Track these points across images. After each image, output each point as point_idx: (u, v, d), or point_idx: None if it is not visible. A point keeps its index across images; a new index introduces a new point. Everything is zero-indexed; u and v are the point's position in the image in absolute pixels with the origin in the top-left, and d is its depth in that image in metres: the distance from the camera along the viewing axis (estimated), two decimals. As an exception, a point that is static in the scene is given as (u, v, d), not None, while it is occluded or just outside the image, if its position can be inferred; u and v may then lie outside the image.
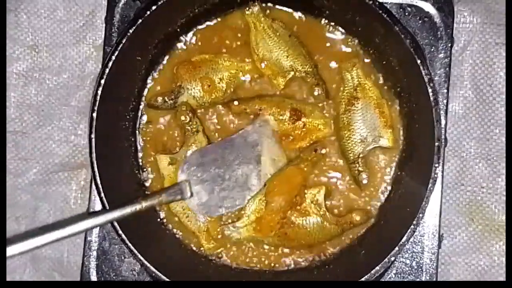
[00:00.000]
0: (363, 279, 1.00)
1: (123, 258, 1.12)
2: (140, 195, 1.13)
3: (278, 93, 1.13)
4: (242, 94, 1.13)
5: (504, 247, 1.17)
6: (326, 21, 1.13)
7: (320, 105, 1.12)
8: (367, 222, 1.11)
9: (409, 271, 1.09)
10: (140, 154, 1.15)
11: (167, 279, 1.02)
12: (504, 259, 1.17)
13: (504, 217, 1.17)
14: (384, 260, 1.00)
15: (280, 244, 1.12)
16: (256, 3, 1.11)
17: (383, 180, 1.12)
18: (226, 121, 1.13)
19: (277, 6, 1.14)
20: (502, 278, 1.16)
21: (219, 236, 1.12)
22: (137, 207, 1.00)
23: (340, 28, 1.13)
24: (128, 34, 1.02)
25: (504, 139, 1.18)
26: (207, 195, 1.08)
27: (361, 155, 1.09)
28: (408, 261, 1.09)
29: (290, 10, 1.14)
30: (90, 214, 1.10)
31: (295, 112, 1.10)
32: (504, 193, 1.17)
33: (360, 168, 1.09)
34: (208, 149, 1.10)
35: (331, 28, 1.14)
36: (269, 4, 1.14)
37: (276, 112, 1.10)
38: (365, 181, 1.09)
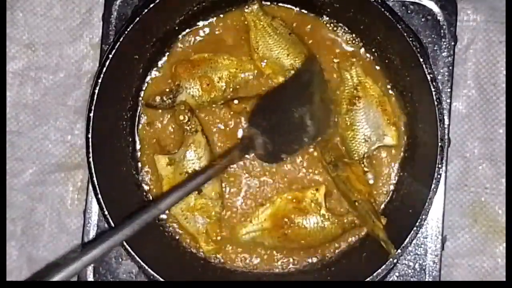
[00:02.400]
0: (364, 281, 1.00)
1: (120, 260, 1.11)
2: (138, 194, 1.12)
3: (278, 92, 1.12)
4: (242, 93, 1.12)
5: (508, 248, 1.17)
6: (327, 19, 1.13)
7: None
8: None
9: (412, 274, 1.08)
10: (138, 154, 1.14)
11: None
12: (507, 260, 1.16)
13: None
14: (386, 263, 1.00)
15: (280, 245, 1.11)
16: (256, 1, 1.10)
17: (385, 181, 1.11)
18: (226, 121, 1.12)
19: (277, 4, 1.14)
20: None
21: (218, 238, 1.11)
22: (210, 173, 0.98)
23: (341, 27, 1.13)
24: (126, 32, 1.02)
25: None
26: (270, 144, 1.07)
27: (366, 155, 1.08)
28: (411, 263, 1.08)
29: (290, 8, 1.14)
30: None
31: (297, 111, 1.09)
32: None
33: (365, 168, 1.08)
34: (264, 99, 1.09)
35: (332, 27, 1.13)
36: (269, 3, 1.13)
37: (277, 111, 1.09)
38: (371, 181, 1.08)
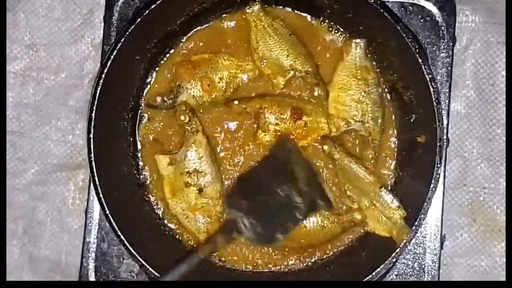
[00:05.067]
0: (364, 280, 1.00)
1: (122, 259, 1.11)
2: (139, 194, 1.13)
3: (278, 92, 1.12)
4: (242, 93, 1.13)
5: (506, 248, 1.17)
6: (327, 20, 1.13)
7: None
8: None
9: (410, 272, 1.08)
10: (139, 154, 1.14)
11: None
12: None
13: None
14: (386, 262, 1.00)
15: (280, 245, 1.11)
16: (257, 2, 1.10)
17: (384, 181, 1.11)
18: (226, 121, 1.12)
19: (277, 6, 1.14)
20: (504, 279, 1.15)
21: (219, 237, 1.11)
22: (194, 260, 0.99)
23: (340, 28, 1.13)
24: (127, 33, 1.02)
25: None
26: (259, 226, 1.04)
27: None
28: (410, 262, 1.09)
29: (290, 9, 1.14)
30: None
31: (296, 111, 1.09)
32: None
33: None
34: (244, 179, 1.09)
35: (331, 28, 1.13)
36: (270, 5, 1.13)
37: (277, 111, 1.09)
38: None
